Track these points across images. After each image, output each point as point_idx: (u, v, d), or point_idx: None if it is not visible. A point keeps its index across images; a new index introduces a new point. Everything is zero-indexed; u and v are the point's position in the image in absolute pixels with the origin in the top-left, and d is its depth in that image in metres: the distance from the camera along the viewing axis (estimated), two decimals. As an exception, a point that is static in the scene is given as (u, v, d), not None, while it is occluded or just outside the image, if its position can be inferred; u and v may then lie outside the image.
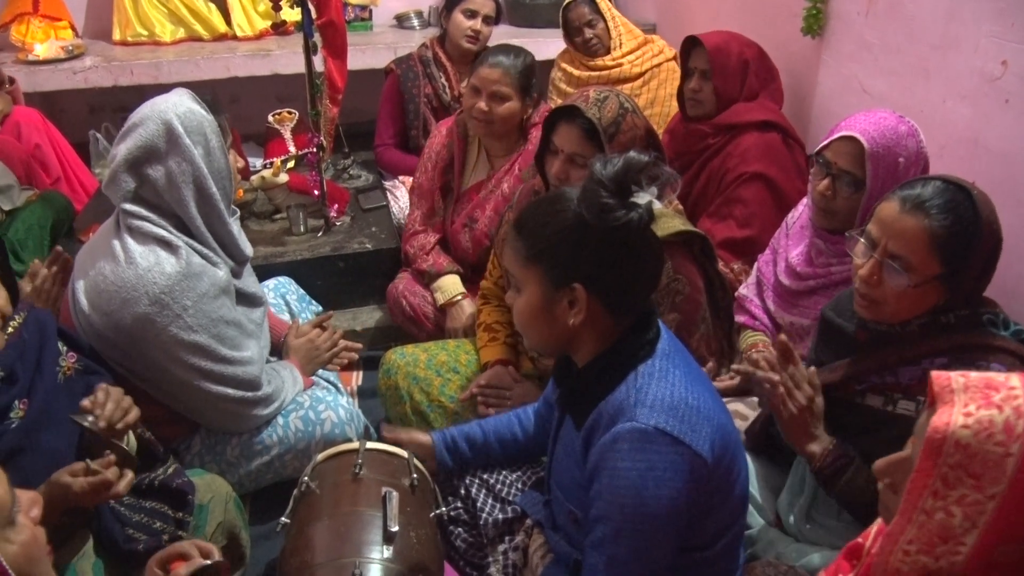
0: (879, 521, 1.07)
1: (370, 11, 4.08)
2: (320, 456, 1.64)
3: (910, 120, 1.79)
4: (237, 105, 4.03)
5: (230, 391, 1.83)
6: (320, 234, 2.90)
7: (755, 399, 1.89)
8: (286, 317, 2.35)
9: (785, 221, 2.13)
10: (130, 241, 1.73)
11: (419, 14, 4.16)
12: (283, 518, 1.54)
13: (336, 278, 2.83)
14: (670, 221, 1.83)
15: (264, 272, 2.47)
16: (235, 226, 1.88)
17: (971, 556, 0.82)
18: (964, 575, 0.83)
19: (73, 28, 3.72)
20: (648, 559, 1.27)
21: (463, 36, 3.09)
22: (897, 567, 0.86)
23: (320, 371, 2.19)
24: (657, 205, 1.27)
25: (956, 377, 0.86)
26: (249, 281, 2.02)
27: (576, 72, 3.19)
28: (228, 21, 3.83)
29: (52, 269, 1.95)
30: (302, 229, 2.89)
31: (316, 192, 2.87)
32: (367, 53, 3.70)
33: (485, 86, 2.39)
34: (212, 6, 3.82)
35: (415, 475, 1.59)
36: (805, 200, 2.04)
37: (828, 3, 2.54)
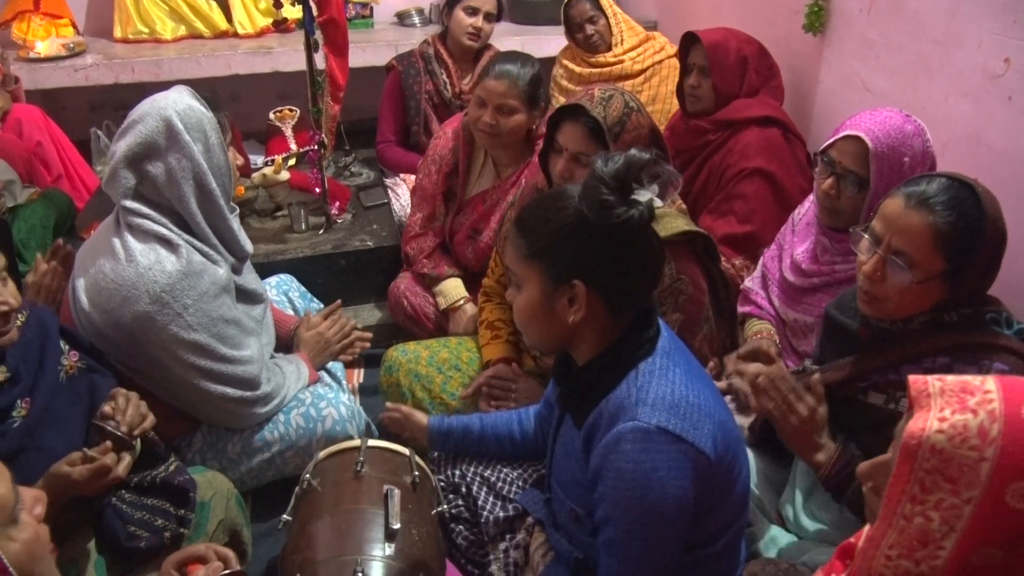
0: None
1: (371, 8, 4.08)
2: (321, 454, 1.64)
3: (917, 119, 1.77)
4: (238, 102, 4.02)
5: (229, 390, 1.83)
6: (321, 232, 2.90)
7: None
8: (291, 314, 2.35)
9: (792, 217, 2.12)
10: (130, 239, 1.73)
11: (420, 11, 4.16)
12: (285, 515, 1.55)
13: (337, 276, 2.82)
14: (673, 221, 1.82)
15: (265, 270, 2.47)
16: (235, 222, 1.88)
17: (951, 560, 0.82)
18: None
19: (74, 25, 3.72)
20: (660, 556, 1.28)
21: (464, 33, 3.09)
22: (880, 572, 0.86)
23: (328, 364, 2.20)
24: (660, 204, 1.27)
25: (933, 381, 0.86)
26: (250, 278, 2.02)
27: (577, 69, 3.19)
28: (229, 18, 3.83)
29: (52, 263, 1.95)
30: (303, 227, 2.89)
31: (317, 190, 2.87)
32: (368, 51, 3.70)
33: (491, 99, 2.28)
34: (213, 3, 3.81)
35: (416, 473, 1.59)
36: (812, 197, 2.03)
37: (830, 0, 2.53)
